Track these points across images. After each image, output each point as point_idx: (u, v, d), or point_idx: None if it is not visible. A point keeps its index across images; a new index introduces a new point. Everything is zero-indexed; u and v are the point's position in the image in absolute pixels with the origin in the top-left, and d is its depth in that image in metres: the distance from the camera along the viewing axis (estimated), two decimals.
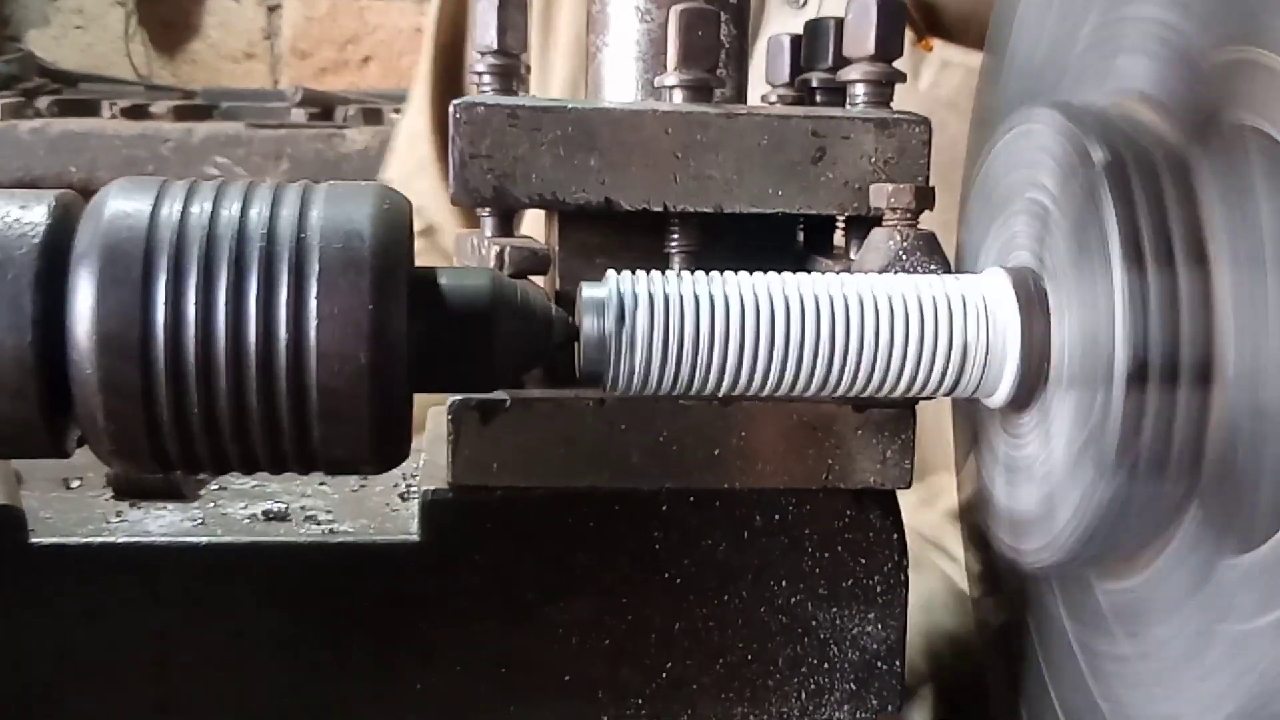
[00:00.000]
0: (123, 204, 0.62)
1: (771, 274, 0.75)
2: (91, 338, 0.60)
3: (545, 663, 0.84)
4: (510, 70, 0.86)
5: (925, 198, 0.78)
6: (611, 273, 0.74)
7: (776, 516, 0.84)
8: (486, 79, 0.86)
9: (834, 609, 0.85)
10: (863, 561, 0.85)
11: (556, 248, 0.87)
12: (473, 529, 0.82)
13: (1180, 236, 0.68)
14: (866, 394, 0.75)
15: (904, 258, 0.77)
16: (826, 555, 0.85)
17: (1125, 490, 0.70)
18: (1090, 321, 0.70)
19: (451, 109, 0.80)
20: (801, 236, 0.94)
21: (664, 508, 0.83)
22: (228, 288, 0.61)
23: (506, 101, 0.81)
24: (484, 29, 0.86)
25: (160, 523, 0.83)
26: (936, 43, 1.44)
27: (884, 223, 0.79)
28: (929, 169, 0.83)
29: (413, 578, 0.82)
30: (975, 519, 0.98)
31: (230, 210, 0.63)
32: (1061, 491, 0.74)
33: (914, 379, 0.74)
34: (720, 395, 0.75)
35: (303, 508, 0.87)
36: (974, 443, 0.91)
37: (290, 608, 0.82)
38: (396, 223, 0.65)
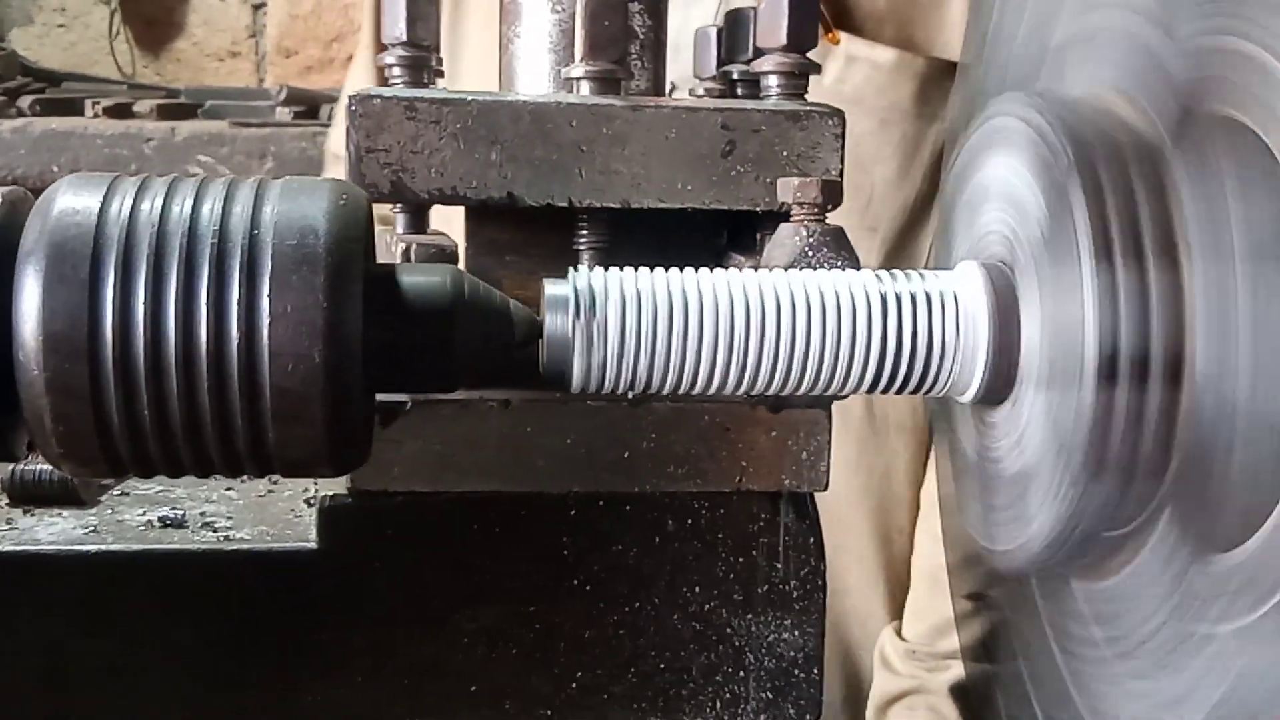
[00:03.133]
0: (71, 201, 0.61)
1: (738, 271, 0.73)
2: (38, 337, 0.58)
3: (451, 672, 0.81)
4: (420, 62, 0.84)
5: (833, 192, 0.76)
6: (576, 268, 0.71)
7: (689, 520, 0.82)
8: (396, 71, 0.83)
9: (749, 615, 0.83)
10: (778, 566, 0.83)
11: (465, 245, 0.85)
12: (373, 536, 0.79)
13: (1150, 231, 0.66)
14: (836, 390, 0.73)
15: (810, 253, 0.74)
16: (741, 560, 0.82)
17: (1096, 488, 0.68)
18: (1060, 318, 0.69)
19: (347, 101, 0.78)
20: (728, 232, 0.92)
21: (572, 512, 0.81)
22: (178, 286, 0.59)
23: (404, 94, 0.78)
24: (392, 20, 0.84)
25: (52, 530, 0.81)
26: (844, 36, 1.40)
27: (791, 217, 0.76)
28: (843, 162, 0.81)
29: (312, 586, 0.80)
30: (952, 519, 0.96)
31: (182, 207, 0.61)
32: (1034, 489, 0.72)
33: (885, 375, 0.72)
34: (686, 392, 0.72)
35: (202, 514, 0.85)
36: (949, 439, 0.89)
37: (186, 617, 0.79)
38: (353, 218, 0.63)
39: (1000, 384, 0.73)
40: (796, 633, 0.83)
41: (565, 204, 0.79)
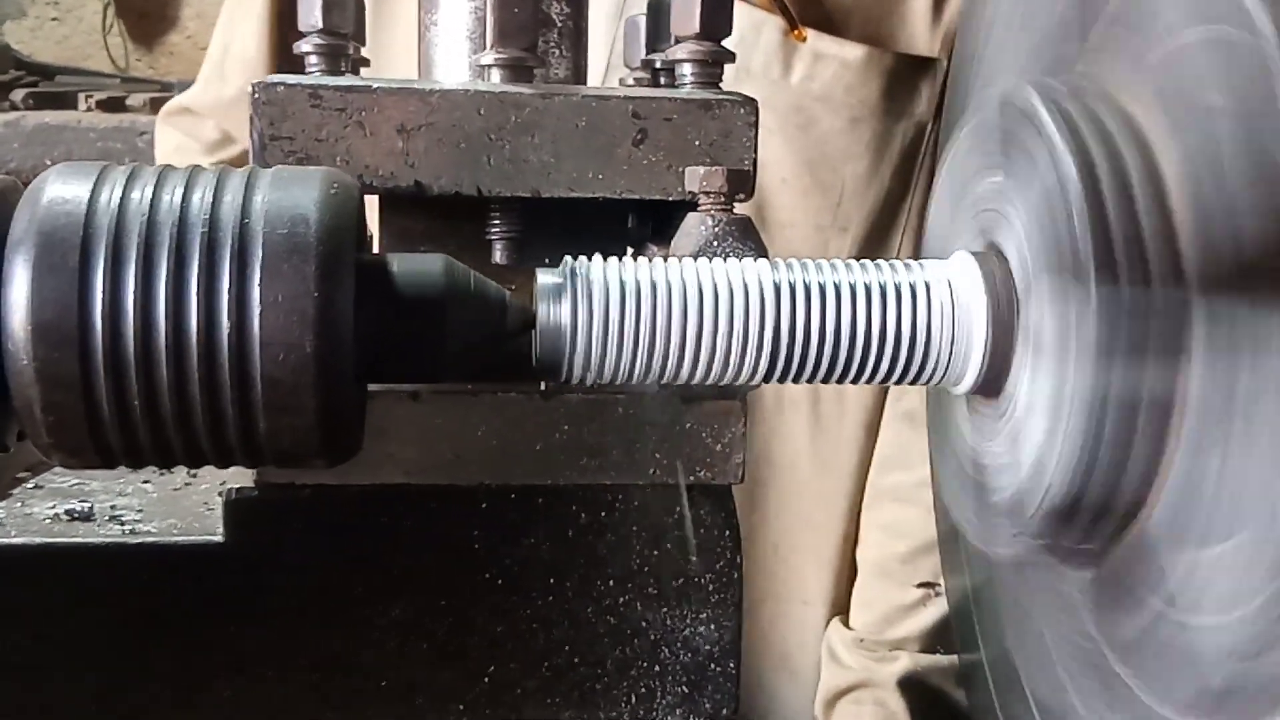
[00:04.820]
0: (61, 189, 0.60)
1: (728, 260, 0.71)
2: (27, 327, 0.58)
3: (361, 667, 0.80)
4: (337, 50, 0.83)
5: (740, 181, 0.75)
6: (568, 258, 0.70)
7: (602, 513, 0.81)
8: (313, 59, 0.82)
9: (664, 609, 0.82)
10: (693, 560, 0.82)
11: (378, 233, 0.84)
12: (280, 528, 0.79)
13: (1151, 232, 0.65)
14: (830, 380, 0.72)
15: (715, 244, 0.73)
16: (655, 553, 0.81)
17: (1094, 468, 0.68)
18: (1058, 298, 0.68)
19: (250, 89, 0.77)
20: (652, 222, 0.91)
21: (484, 505, 0.80)
22: (168, 275, 0.59)
23: (308, 81, 0.77)
24: (308, 7, 0.83)
25: None
26: (811, 33, 1.38)
27: (699, 207, 0.75)
28: (755, 151, 0.80)
29: (218, 580, 0.79)
30: (945, 510, 0.95)
31: (172, 196, 0.61)
32: (1031, 475, 0.71)
33: (879, 365, 0.72)
34: (680, 382, 0.71)
35: (112, 507, 0.84)
36: (942, 431, 0.88)
37: (90, 611, 0.79)
38: (344, 207, 0.63)
39: (996, 375, 0.72)
40: (712, 626, 0.82)
41: (474, 193, 0.78)
